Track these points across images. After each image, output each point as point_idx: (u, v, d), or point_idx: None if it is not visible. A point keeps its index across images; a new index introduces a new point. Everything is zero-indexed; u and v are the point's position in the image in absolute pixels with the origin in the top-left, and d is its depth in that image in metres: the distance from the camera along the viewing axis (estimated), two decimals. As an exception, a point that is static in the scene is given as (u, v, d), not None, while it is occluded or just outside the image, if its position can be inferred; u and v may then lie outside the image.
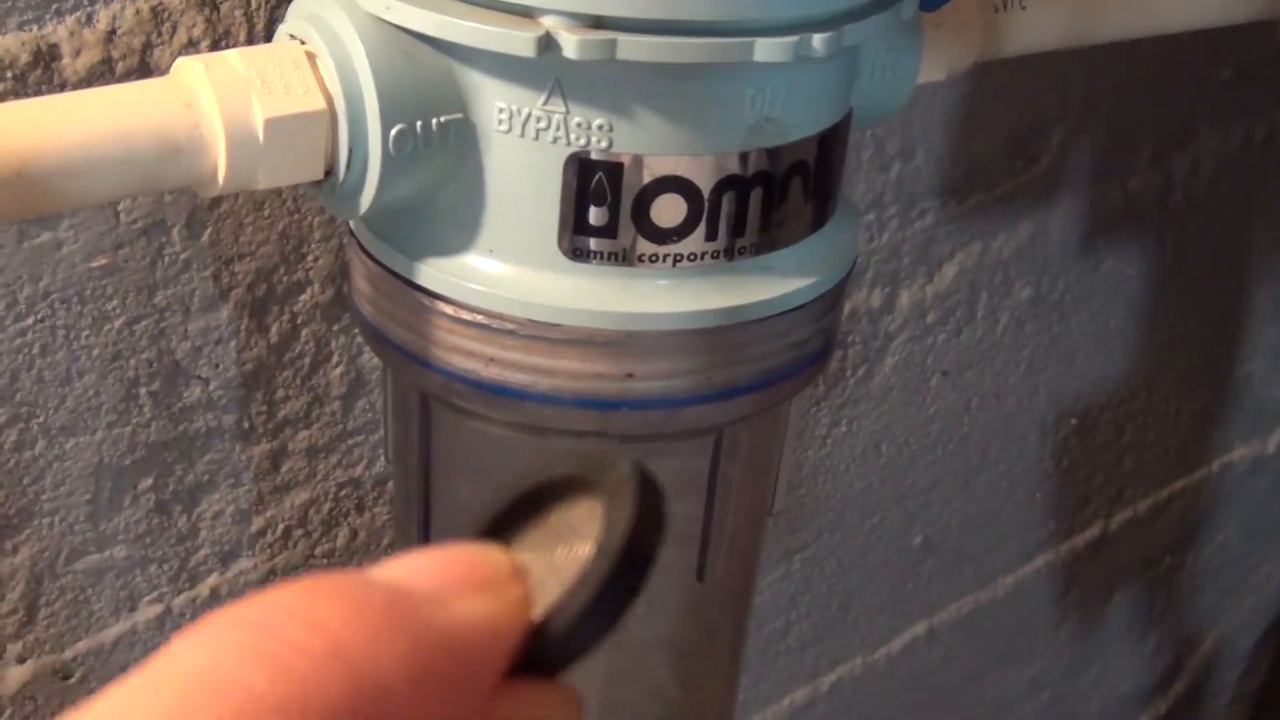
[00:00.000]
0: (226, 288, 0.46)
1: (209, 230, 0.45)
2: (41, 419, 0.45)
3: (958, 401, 0.73)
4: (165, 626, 0.51)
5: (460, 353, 0.35)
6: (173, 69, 0.32)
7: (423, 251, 0.35)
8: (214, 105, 0.31)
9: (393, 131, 0.32)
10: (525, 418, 0.35)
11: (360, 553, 0.54)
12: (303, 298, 0.48)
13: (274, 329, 0.48)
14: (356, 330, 0.49)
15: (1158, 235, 0.77)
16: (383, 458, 0.53)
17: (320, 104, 0.32)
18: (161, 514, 0.49)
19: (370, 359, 0.50)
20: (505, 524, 0.22)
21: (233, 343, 0.47)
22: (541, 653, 0.20)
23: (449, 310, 0.34)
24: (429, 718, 0.19)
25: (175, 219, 0.44)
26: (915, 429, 0.72)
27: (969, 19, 0.42)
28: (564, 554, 0.21)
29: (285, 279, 0.47)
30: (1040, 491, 0.82)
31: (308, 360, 0.49)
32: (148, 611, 0.50)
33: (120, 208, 0.43)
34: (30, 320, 0.43)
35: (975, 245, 0.68)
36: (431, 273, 0.34)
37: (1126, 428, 0.84)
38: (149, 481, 0.48)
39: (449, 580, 0.20)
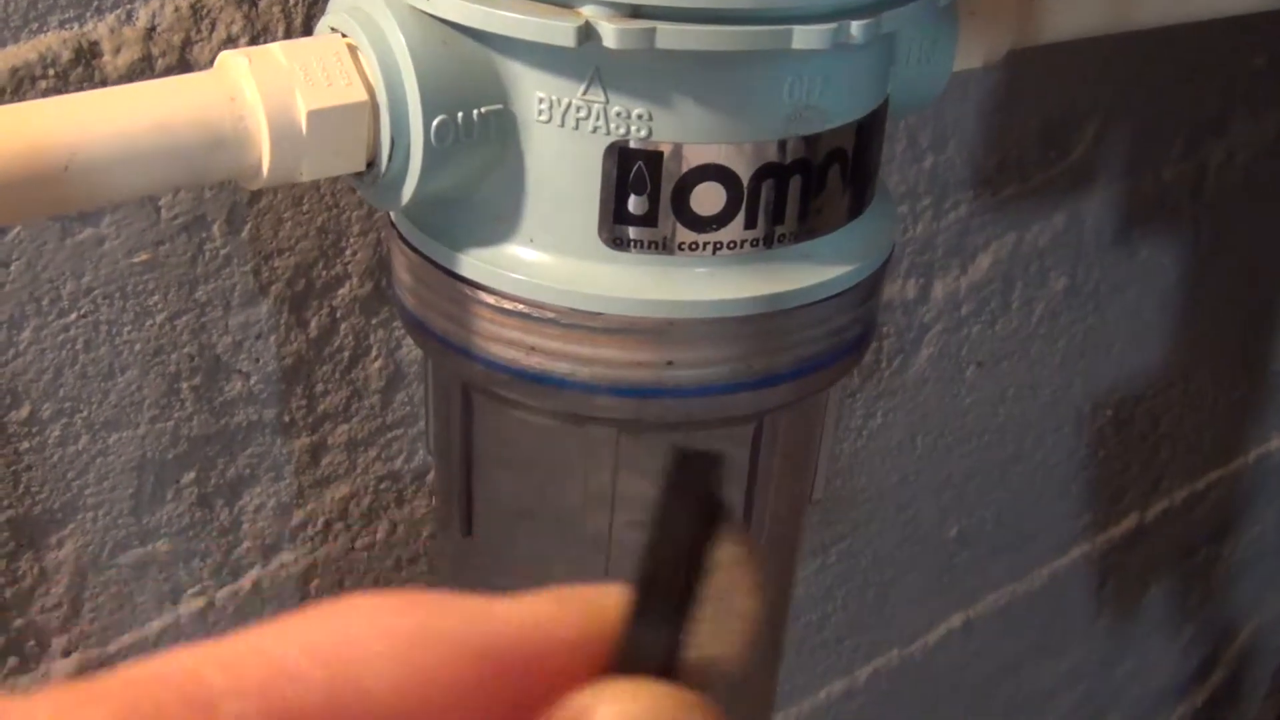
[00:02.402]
0: (266, 282, 0.47)
1: (249, 225, 0.45)
2: (85, 414, 0.45)
3: (993, 393, 0.73)
4: (208, 619, 0.51)
5: (501, 342, 0.35)
6: (216, 62, 0.32)
7: (463, 242, 0.35)
8: (258, 98, 0.31)
9: (434, 122, 0.32)
10: (566, 406, 0.36)
11: (399, 547, 0.55)
12: (341, 292, 0.48)
13: (313, 323, 0.48)
14: (395, 323, 0.49)
15: (1192, 225, 0.77)
16: (422, 451, 0.53)
17: (362, 96, 0.32)
18: (204, 508, 0.49)
19: (409, 352, 0.50)
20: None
21: (272, 337, 0.48)
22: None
23: (490, 300, 0.35)
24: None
25: (216, 215, 0.45)
26: (950, 420, 0.72)
27: (1004, 6, 0.42)
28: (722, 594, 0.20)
29: (324, 273, 0.47)
30: (1076, 483, 0.82)
31: (347, 354, 0.49)
32: (191, 605, 0.51)
33: (161, 203, 0.44)
34: (73, 316, 0.44)
35: (1009, 236, 0.68)
36: (472, 263, 0.35)
37: (1162, 418, 0.84)
38: (191, 475, 0.48)
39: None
